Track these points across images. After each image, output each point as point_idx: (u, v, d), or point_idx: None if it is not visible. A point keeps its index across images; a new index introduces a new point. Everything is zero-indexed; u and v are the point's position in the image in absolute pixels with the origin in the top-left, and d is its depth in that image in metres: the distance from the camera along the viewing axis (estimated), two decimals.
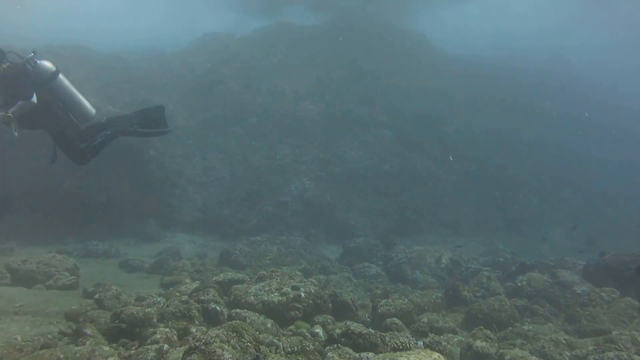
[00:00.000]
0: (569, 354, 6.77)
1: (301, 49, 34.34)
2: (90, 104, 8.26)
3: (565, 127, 33.60)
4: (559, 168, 29.51)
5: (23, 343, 5.57)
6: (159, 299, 8.22)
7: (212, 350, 4.87)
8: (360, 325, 6.69)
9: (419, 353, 4.91)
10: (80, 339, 5.98)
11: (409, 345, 6.07)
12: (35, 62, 7.49)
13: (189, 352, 4.91)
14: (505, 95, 35.09)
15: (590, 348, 6.44)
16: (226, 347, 4.97)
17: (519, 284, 11.08)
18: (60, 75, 7.73)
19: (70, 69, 22.53)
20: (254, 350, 5.19)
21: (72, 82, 8.00)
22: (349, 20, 37.61)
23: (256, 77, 29.25)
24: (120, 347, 6.13)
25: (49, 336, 6.32)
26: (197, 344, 4.96)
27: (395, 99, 30.23)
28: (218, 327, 5.42)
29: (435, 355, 5.06)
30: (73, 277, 10.27)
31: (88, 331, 6.29)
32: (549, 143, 31.59)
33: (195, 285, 10.30)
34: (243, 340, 5.22)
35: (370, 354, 5.82)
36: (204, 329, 6.78)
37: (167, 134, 8.99)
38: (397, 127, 27.34)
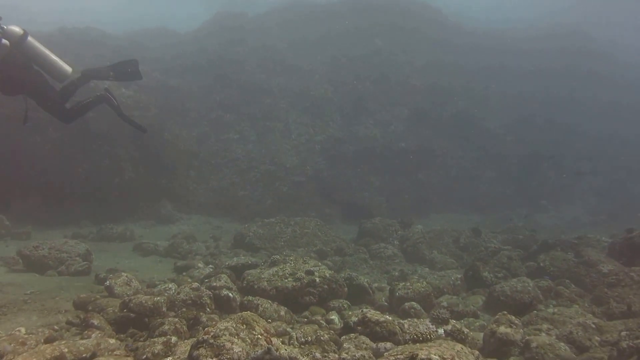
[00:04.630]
0: (598, 339, 6.44)
1: (316, 27, 33.81)
2: (66, 62, 8.20)
3: (587, 105, 32.71)
4: (580, 142, 28.79)
5: (26, 336, 5.35)
6: (170, 286, 8.02)
7: (221, 344, 4.63)
8: (377, 312, 6.42)
9: (440, 345, 4.63)
10: (86, 332, 5.78)
11: (429, 335, 5.79)
12: (2, 28, 7.46)
13: (196, 345, 4.68)
14: (523, 67, 34.29)
15: (623, 334, 6.08)
16: (236, 340, 4.74)
17: (541, 264, 10.68)
18: (30, 38, 7.70)
19: (83, 51, 22.43)
20: (265, 342, 4.95)
21: (42, 43, 7.97)
22: None
23: (270, 57, 28.86)
24: (129, 338, 5.93)
25: (56, 327, 6.14)
26: (206, 337, 4.72)
27: (411, 75, 29.66)
28: (227, 319, 5.19)
29: (459, 347, 4.78)
30: (85, 262, 10.11)
31: (95, 322, 6.09)
32: (570, 118, 30.82)
33: (208, 269, 10.13)
34: (254, 332, 4.99)
35: (389, 344, 5.55)
36: (216, 318, 6.57)
37: (140, 79, 9.11)
38: (413, 104, 26.79)
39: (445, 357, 4.20)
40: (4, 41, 7.42)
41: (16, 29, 7.55)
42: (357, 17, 34.43)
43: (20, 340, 5.23)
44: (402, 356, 4.32)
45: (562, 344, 5.95)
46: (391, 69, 29.67)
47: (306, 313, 7.66)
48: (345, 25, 33.74)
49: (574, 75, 34.18)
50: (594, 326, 6.76)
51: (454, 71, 31.73)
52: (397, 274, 10.79)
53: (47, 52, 7.92)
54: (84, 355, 5.01)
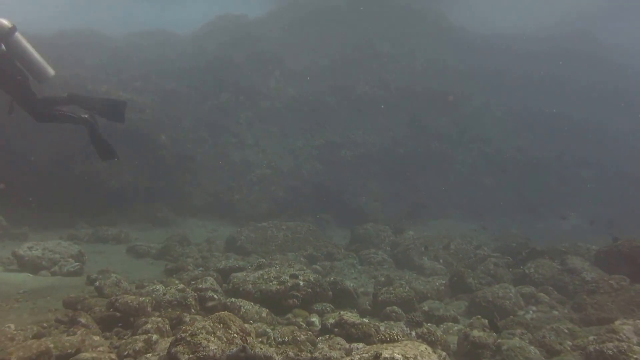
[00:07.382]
0: (570, 343, 6.63)
1: (315, 30, 33.97)
2: (50, 65, 8.12)
3: (589, 105, 32.70)
4: (580, 148, 28.75)
5: (15, 332, 5.58)
6: (158, 287, 8.18)
7: (198, 342, 4.85)
8: (355, 314, 6.63)
9: (405, 345, 4.80)
10: (72, 329, 5.99)
11: (401, 336, 5.97)
12: None
13: (174, 343, 4.91)
14: (527, 72, 34.28)
15: (591, 338, 6.31)
16: (212, 338, 4.95)
17: (526, 271, 10.86)
18: (17, 33, 7.62)
19: (83, 54, 22.69)
20: (240, 341, 5.16)
21: (28, 41, 7.88)
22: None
23: (269, 60, 29.06)
24: (114, 337, 6.14)
25: (45, 324, 6.33)
26: (183, 335, 4.95)
27: (412, 81, 29.80)
28: (205, 318, 5.40)
29: (423, 347, 4.94)
30: (78, 263, 10.32)
31: (82, 320, 6.29)
32: (571, 122, 30.82)
33: (198, 272, 10.32)
34: (230, 331, 5.18)
35: (361, 345, 5.76)
36: (199, 318, 6.75)
37: (122, 123, 8.89)
38: (412, 109, 26.95)
39: (408, 356, 4.39)
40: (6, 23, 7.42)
41: (4, 21, 7.50)
42: (357, 21, 34.52)
43: (9, 336, 5.46)
44: (367, 355, 4.51)
45: (533, 347, 6.14)
46: (391, 73, 29.85)
47: (289, 315, 7.83)
48: (345, 29, 33.85)
49: (579, 80, 34.27)
50: (567, 331, 6.96)
51: (455, 76, 31.87)
52: (383, 279, 10.96)
53: (33, 50, 7.86)
54: (68, 351, 5.24)
